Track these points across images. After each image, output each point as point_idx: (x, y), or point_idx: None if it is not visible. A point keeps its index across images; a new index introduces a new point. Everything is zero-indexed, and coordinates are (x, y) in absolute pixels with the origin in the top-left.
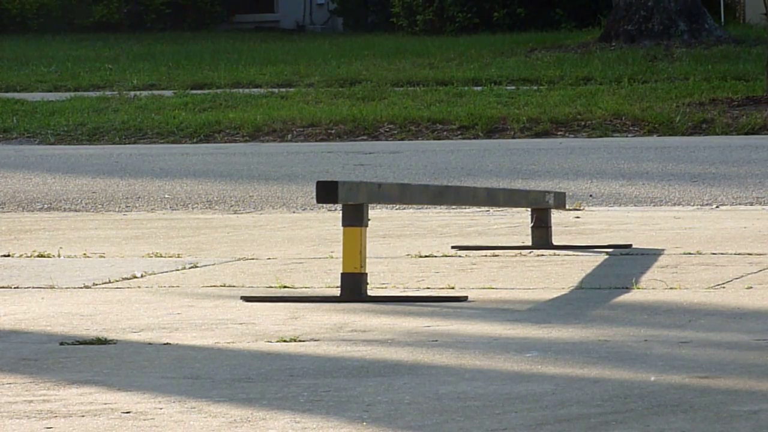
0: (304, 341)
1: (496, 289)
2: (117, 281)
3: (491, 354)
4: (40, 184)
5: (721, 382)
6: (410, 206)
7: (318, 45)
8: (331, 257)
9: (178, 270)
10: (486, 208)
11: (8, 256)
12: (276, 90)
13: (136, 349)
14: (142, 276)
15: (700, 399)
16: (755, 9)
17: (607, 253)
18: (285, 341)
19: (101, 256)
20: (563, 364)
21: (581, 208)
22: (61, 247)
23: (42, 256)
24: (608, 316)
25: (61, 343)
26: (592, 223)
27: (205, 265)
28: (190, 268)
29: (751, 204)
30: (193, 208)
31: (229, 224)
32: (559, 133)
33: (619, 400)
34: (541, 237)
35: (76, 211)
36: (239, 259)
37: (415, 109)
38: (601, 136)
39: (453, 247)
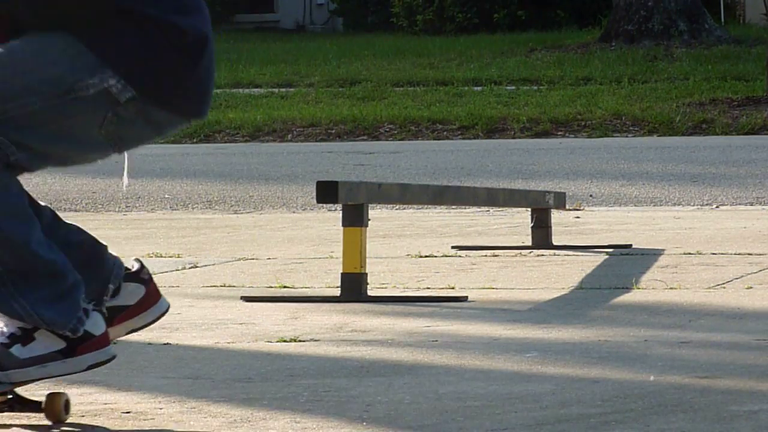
0: (304, 341)
1: (496, 289)
2: None
3: (491, 354)
4: (40, 184)
5: (721, 382)
6: (410, 206)
7: (318, 45)
8: (331, 257)
9: (178, 270)
10: (486, 208)
11: None
12: (276, 90)
13: (136, 349)
14: None
15: (700, 399)
16: (755, 9)
17: (607, 253)
18: (285, 341)
19: None
20: (563, 364)
21: (581, 208)
22: None
23: None
24: (608, 316)
25: None
26: (592, 223)
27: (205, 265)
28: (190, 268)
29: (751, 204)
30: (193, 208)
31: (229, 224)
32: (559, 133)
33: (619, 400)
34: (541, 237)
35: (76, 211)
36: (239, 259)
37: (415, 109)
38: (601, 136)
39: (453, 247)
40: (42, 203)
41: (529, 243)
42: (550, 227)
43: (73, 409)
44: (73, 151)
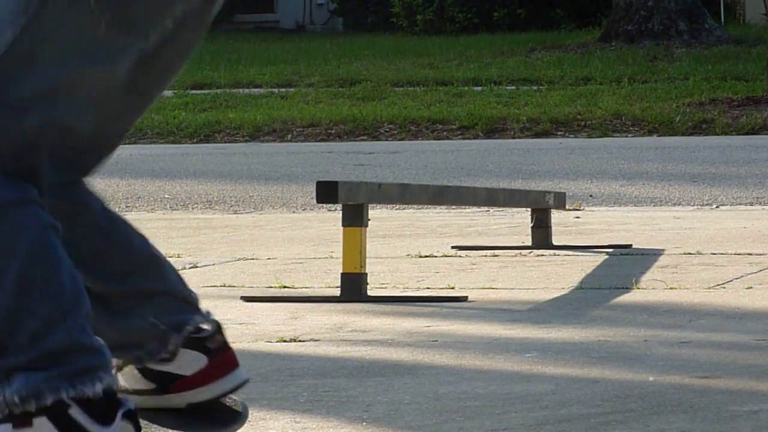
0: (304, 341)
1: (496, 289)
2: None
3: (491, 354)
4: None
5: (721, 382)
6: (410, 206)
7: (318, 45)
8: (331, 257)
9: (178, 270)
10: (486, 208)
11: None
12: (276, 90)
13: None
14: None
15: (700, 399)
16: (755, 9)
17: (607, 253)
18: (285, 341)
19: None
20: (563, 364)
21: (581, 208)
22: None
23: None
24: (608, 316)
25: None
26: (592, 223)
27: (205, 265)
28: (190, 268)
29: (751, 204)
30: (193, 208)
31: (229, 224)
32: (559, 133)
33: (619, 400)
34: (541, 237)
35: None
36: (239, 259)
37: (415, 109)
38: (601, 136)
39: (453, 247)
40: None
41: (529, 243)
42: (550, 227)
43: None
44: (96, 71)
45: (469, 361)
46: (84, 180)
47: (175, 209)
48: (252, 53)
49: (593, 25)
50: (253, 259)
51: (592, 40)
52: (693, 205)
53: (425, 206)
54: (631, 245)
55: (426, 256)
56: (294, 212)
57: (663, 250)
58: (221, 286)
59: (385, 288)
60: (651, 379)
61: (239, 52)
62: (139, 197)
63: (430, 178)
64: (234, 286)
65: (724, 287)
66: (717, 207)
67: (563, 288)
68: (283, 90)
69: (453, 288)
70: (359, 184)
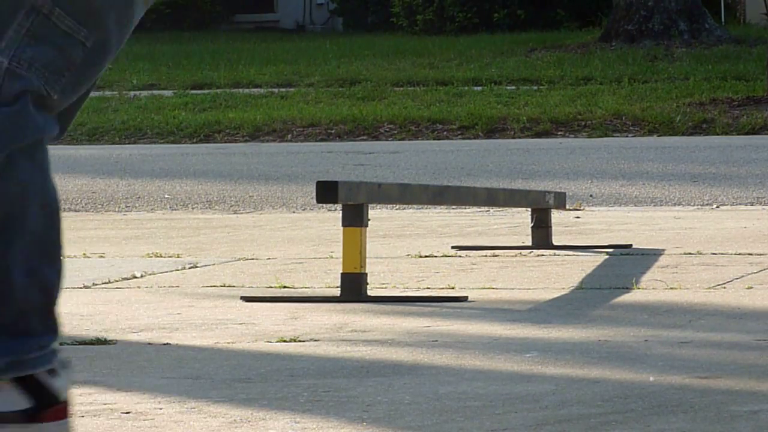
0: (304, 341)
1: (496, 289)
2: (117, 281)
3: (491, 354)
4: None
5: (721, 382)
6: (410, 206)
7: (318, 45)
8: (331, 257)
9: (178, 270)
10: (486, 208)
11: None
12: (276, 90)
13: (135, 350)
14: (141, 276)
15: (700, 399)
16: (755, 9)
17: (607, 253)
18: (285, 341)
19: (101, 256)
20: (563, 364)
21: (581, 208)
22: None
23: None
24: (608, 316)
25: (61, 344)
26: (592, 223)
27: (205, 265)
28: (190, 268)
29: (752, 204)
30: (193, 208)
31: (229, 224)
32: (559, 133)
33: (620, 400)
34: (541, 237)
35: (75, 211)
36: (239, 259)
37: (415, 109)
38: (601, 136)
39: (453, 247)
40: None
41: (529, 243)
42: (550, 227)
43: (73, 409)
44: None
45: (469, 361)
46: None
47: (175, 209)
48: (252, 53)
49: (593, 25)
50: (253, 259)
51: (592, 40)
52: (693, 205)
53: (425, 206)
54: (631, 245)
55: (426, 256)
56: (294, 212)
57: (663, 250)
58: (221, 286)
59: (385, 288)
60: (651, 379)
61: (239, 52)
62: (139, 197)
63: (430, 178)
64: (234, 286)
65: (725, 287)
66: (717, 207)
67: (563, 288)
68: (283, 90)
69: (453, 288)
70: (359, 184)
